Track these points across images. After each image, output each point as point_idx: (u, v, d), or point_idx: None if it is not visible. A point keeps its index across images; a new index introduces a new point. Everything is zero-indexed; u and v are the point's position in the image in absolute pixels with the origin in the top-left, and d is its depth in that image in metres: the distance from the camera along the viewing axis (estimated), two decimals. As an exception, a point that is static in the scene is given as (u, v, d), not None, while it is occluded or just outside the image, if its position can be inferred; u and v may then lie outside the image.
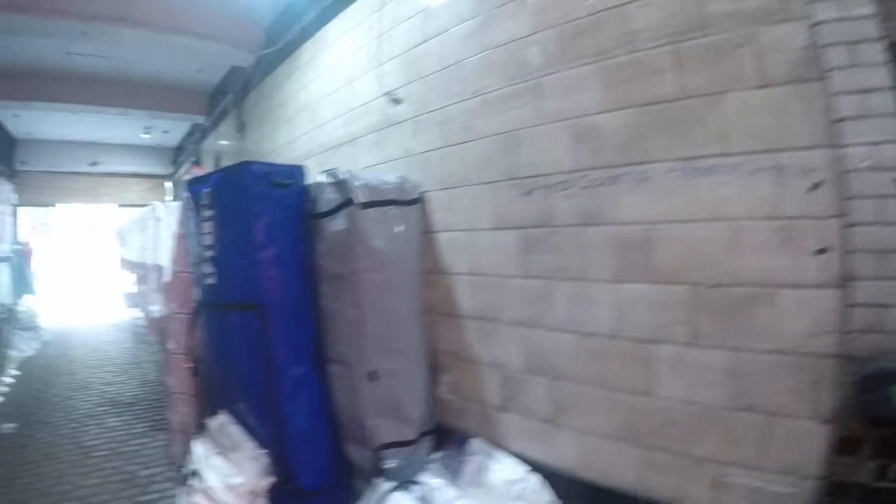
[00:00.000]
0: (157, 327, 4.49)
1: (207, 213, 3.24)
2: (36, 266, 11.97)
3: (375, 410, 2.98)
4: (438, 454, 3.08)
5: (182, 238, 3.80)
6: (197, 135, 9.53)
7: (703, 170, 2.12)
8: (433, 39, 3.31)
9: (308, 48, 5.07)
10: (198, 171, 3.78)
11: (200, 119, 9.01)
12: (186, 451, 3.26)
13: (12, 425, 4.94)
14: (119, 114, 8.65)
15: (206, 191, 3.27)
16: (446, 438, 3.17)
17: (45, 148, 11.65)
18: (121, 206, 13.31)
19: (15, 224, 11.56)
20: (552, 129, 2.62)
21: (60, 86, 7.86)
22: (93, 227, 28.53)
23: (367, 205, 3.02)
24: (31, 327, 8.85)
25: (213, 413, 3.31)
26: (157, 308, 4.20)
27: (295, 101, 5.36)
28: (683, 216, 2.18)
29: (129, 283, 12.05)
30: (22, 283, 10.98)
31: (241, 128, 6.86)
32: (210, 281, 3.29)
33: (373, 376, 3.01)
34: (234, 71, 7.26)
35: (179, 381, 3.65)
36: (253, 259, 3.03)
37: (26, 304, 9.61)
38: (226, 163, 7.48)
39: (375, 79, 3.95)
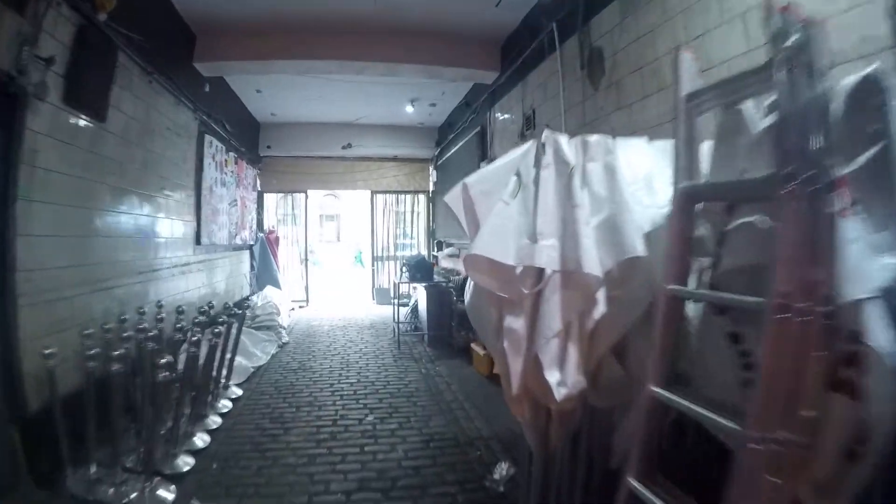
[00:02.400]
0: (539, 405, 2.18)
1: None
2: (282, 256, 11.28)
3: None
4: None
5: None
6: (483, 101, 7.56)
7: None
8: None
9: None
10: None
11: (489, 77, 7.04)
12: None
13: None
14: (384, 72, 6.99)
15: None
16: None
17: (291, 131, 10.87)
18: (375, 192, 12.24)
19: (259, 212, 10.96)
20: None
21: (311, 39, 6.40)
22: (338, 217, 29.86)
23: None
24: (269, 326, 7.69)
25: None
26: (565, 377, 1.84)
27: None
28: None
29: (383, 276, 10.86)
30: (265, 274, 10.19)
31: (596, 62, 4.56)
32: None
33: None
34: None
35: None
36: None
37: (267, 298, 8.62)
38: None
39: None
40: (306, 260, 11.64)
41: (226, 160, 8.05)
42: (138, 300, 4.95)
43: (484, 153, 7.58)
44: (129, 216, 4.90)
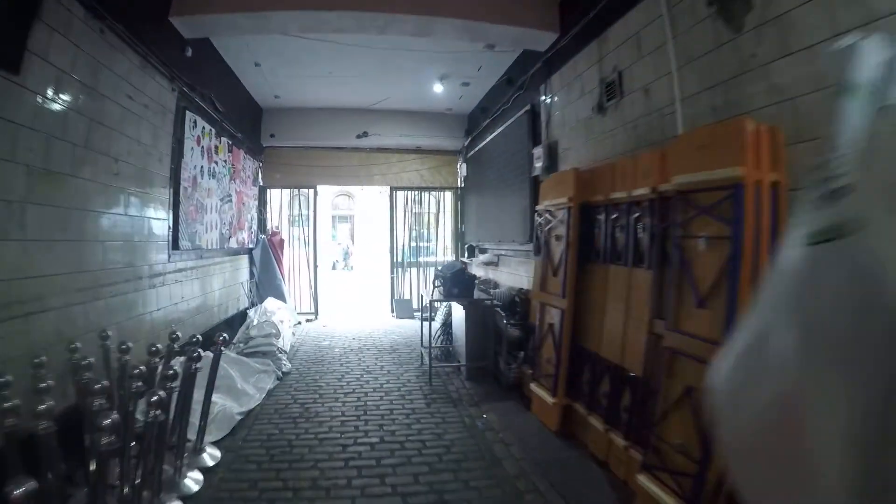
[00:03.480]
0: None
1: None
2: (288, 262, 9.86)
3: None
4: None
5: None
6: (535, 73, 6.11)
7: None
8: None
9: None
10: None
11: (545, 40, 5.56)
12: None
13: None
14: (414, 30, 5.48)
15: None
16: None
17: (298, 117, 9.46)
18: (395, 189, 10.68)
19: (261, 210, 9.56)
20: None
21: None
22: (351, 219, 28.46)
23: None
24: (266, 351, 6.25)
25: None
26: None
27: None
28: None
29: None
30: (267, 283, 8.79)
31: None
32: None
33: None
34: None
35: None
36: None
37: (266, 313, 7.22)
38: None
39: None
40: (315, 266, 10.18)
41: (216, 146, 6.67)
42: (76, 328, 3.56)
43: (536, 137, 6.13)
44: (61, 211, 3.50)
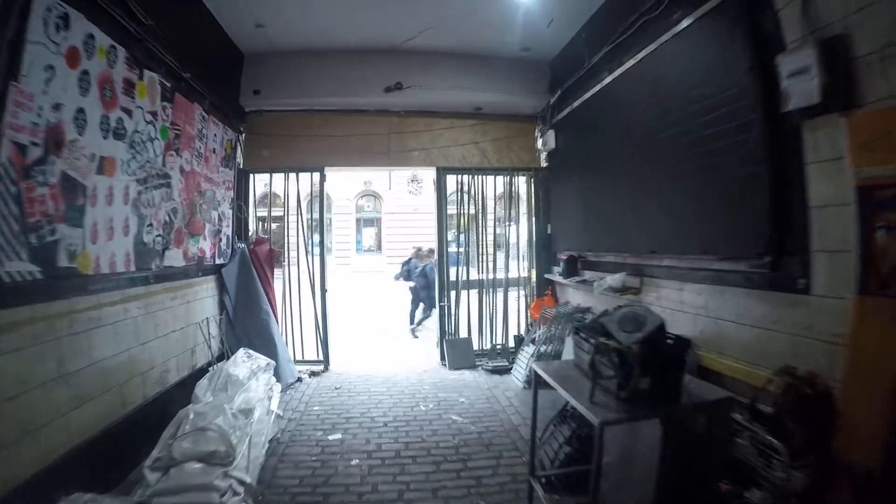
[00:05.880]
0: None
1: None
2: (279, 280, 6.96)
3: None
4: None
5: None
6: None
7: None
8: None
9: None
10: None
11: None
12: None
13: None
14: None
15: None
16: None
17: (295, 63, 6.50)
18: (444, 170, 7.33)
19: (240, 206, 6.62)
20: None
21: None
22: (378, 222, 25.55)
23: None
24: (202, 472, 3.15)
25: None
26: None
27: None
28: None
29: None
30: (246, 319, 5.91)
31: None
32: None
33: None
34: None
35: None
36: None
37: (227, 386, 4.33)
38: None
39: None
40: (324, 290, 7.15)
41: (131, 82, 3.77)
42: None
43: (763, 41, 3.04)
44: None
